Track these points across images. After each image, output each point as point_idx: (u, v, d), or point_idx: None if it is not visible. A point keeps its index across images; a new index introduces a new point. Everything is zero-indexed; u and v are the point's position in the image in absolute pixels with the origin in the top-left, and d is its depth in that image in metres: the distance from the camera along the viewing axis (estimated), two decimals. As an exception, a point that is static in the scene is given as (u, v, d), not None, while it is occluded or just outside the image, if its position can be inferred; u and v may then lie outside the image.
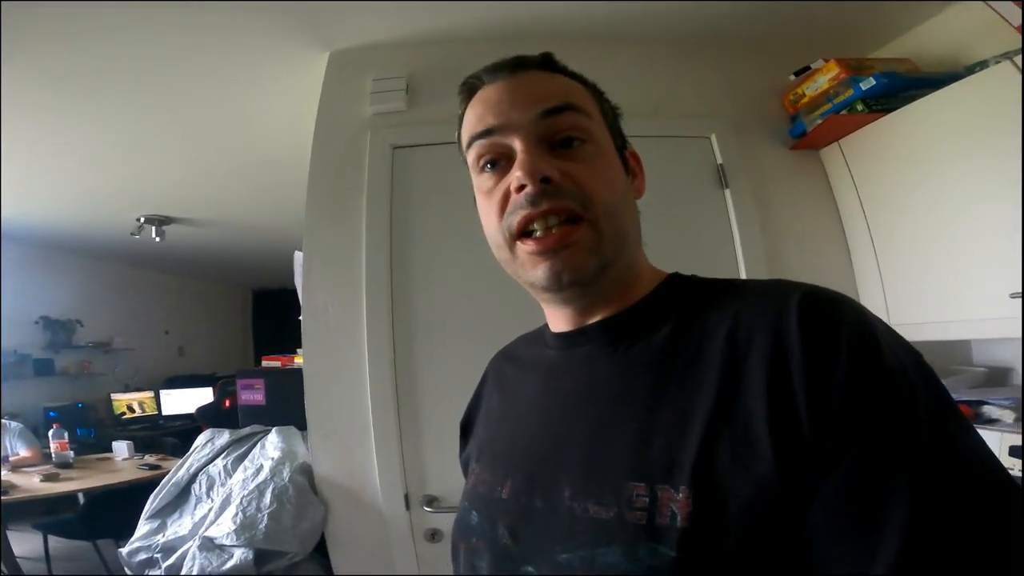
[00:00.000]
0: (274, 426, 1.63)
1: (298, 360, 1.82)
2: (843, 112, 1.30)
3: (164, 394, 4.57)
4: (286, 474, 1.40)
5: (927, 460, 0.31)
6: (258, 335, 6.23)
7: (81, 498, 2.59)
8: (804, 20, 1.42)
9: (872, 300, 1.29)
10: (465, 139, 0.47)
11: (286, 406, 1.65)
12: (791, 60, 1.41)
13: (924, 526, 0.29)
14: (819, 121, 1.34)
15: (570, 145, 0.43)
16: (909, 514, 0.29)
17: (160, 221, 3.21)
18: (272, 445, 1.53)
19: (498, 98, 0.45)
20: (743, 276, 1.32)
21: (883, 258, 1.30)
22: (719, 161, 1.37)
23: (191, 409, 4.06)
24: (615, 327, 0.44)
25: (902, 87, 1.24)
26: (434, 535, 1.27)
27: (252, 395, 1.74)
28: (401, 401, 1.31)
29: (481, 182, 0.46)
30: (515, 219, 0.42)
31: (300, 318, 1.43)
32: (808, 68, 1.37)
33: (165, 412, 4.51)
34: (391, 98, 1.41)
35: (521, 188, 0.41)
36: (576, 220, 0.41)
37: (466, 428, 0.60)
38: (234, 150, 2.18)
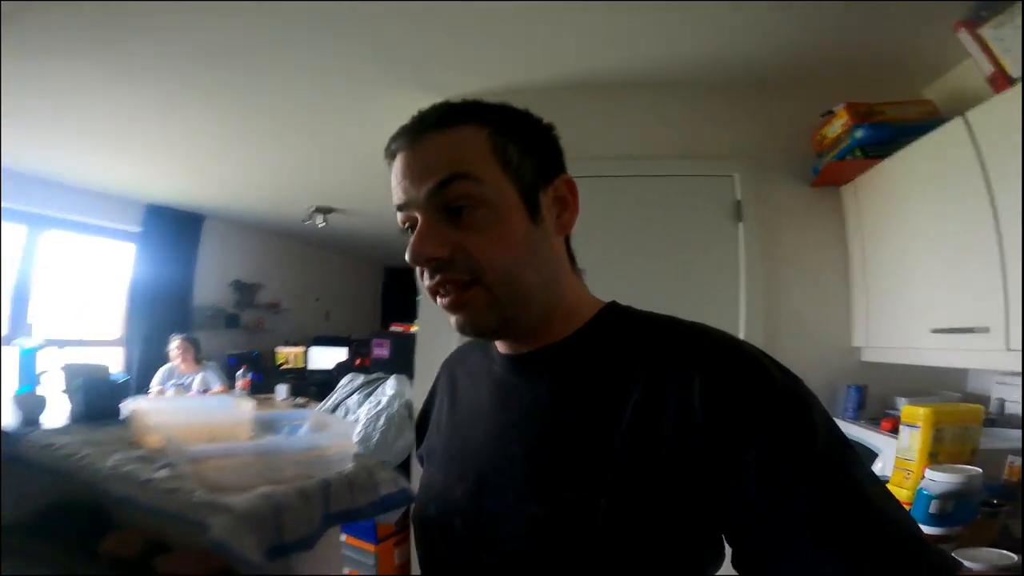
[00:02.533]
0: (393, 374, 2.36)
1: (413, 328, 2.55)
2: (847, 157, 1.60)
3: (312, 350, 5.77)
4: (395, 406, 2.10)
5: (819, 456, 0.41)
6: (386, 305, 7.45)
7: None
8: (844, 58, 1.67)
9: (859, 324, 1.60)
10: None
11: (403, 360, 2.37)
12: (836, 96, 1.65)
13: (824, 514, 0.39)
14: (824, 164, 1.65)
15: (461, 212, 0.48)
16: (809, 503, 0.39)
17: (326, 211, 4.25)
18: (390, 386, 2.26)
19: (401, 171, 0.50)
20: (743, 300, 1.71)
21: (871, 290, 1.61)
22: (738, 197, 1.75)
23: (329, 365, 5.23)
24: (553, 359, 0.53)
25: (892, 136, 1.49)
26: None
27: (382, 350, 2.50)
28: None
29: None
30: (425, 283, 0.50)
31: (418, 297, 2.12)
32: (831, 112, 1.66)
33: (310, 367, 5.70)
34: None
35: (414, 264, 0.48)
36: (470, 284, 0.48)
37: (420, 427, 0.72)
38: (371, 160, 2.98)
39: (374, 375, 2.42)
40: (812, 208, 1.76)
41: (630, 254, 1.78)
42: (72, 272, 4.05)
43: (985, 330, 1.17)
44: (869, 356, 1.65)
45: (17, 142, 2.67)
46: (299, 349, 5.71)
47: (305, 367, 5.72)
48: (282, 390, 4.09)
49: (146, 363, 4.33)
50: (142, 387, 4.05)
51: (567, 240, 0.57)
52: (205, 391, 3.71)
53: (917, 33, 1.53)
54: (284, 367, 5.48)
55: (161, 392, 3.69)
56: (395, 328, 2.58)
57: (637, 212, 1.80)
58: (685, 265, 1.76)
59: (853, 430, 1.50)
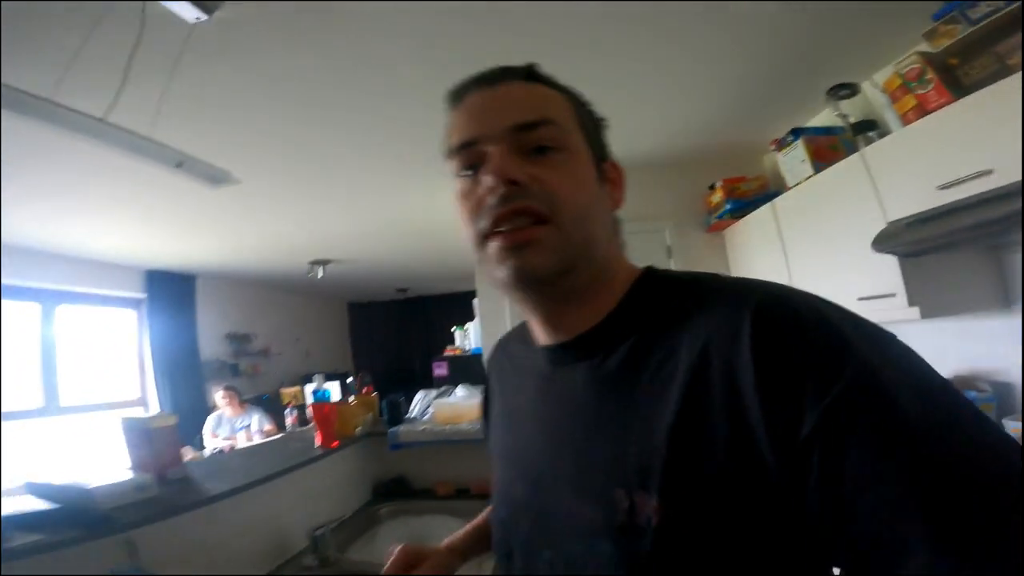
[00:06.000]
0: (455, 386, 3.45)
1: (457, 351, 3.67)
2: (724, 217, 2.97)
3: (307, 387, 6.54)
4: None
5: (919, 450, 0.34)
6: (354, 336, 8.35)
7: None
8: (720, 146, 3.05)
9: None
10: (449, 147, 0.54)
11: (459, 375, 3.47)
12: (717, 171, 3.03)
13: (940, 524, 0.32)
14: (712, 222, 3.03)
15: (543, 152, 0.50)
16: (896, 485, 0.33)
17: (323, 262, 5.19)
18: (459, 391, 3.36)
19: (479, 108, 0.52)
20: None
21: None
22: (668, 243, 3.08)
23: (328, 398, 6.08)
24: (589, 345, 0.53)
25: (744, 206, 2.86)
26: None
27: (441, 370, 3.58)
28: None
29: (460, 185, 0.53)
30: (487, 218, 0.49)
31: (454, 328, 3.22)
32: (714, 186, 3.03)
33: (308, 401, 6.47)
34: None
35: (492, 189, 0.48)
36: (543, 222, 0.48)
37: (484, 426, 0.78)
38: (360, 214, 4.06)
39: (443, 388, 3.49)
40: (709, 246, 3.12)
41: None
42: (81, 342, 4.55)
43: (892, 295, 1.78)
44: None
45: (22, 219, 3.10)
46: (297, 388, 6.45)
47: (304, 403, 6.46)
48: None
49: (179, 416, 4.92)
50: (184, 436, 4.72)
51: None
52: (262, 430, 4.52)
53: (760, 133, 2.91)
54: (291, 404, 6.21)
55: (215, 437, 4.44)
56: (448, 353, 3.68)
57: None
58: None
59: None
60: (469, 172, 0.52)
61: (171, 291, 5.21)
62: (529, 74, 0.55)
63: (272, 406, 5.95)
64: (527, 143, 0.50)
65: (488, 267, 0.52)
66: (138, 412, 4.91)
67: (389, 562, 0.76)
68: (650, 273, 0.56)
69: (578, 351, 0.54)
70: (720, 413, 0.41)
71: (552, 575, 0.52)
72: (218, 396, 4.64)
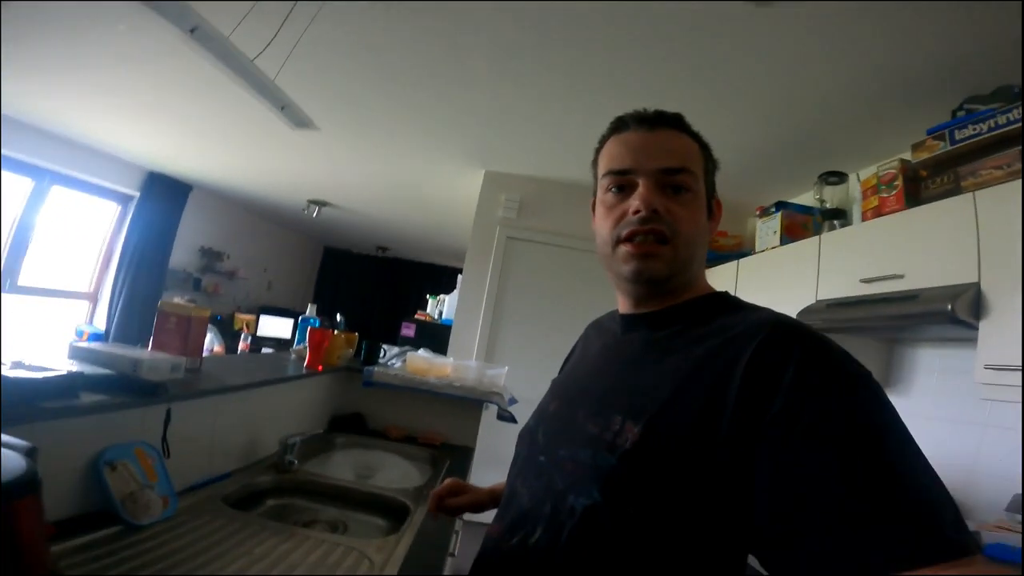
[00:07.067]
0: (418, 348, 3.71)
1: (427, 318, 3.91)
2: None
3: (262, 319, 6.61)
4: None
5: (850, 443, 0.45)
6: (320, 279, 8.49)
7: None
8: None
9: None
10: (603, 167, 0.73)
11: (423, 340, 3.73)
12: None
13: (848, 509, 0.43)
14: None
15: (677, 191, 0.68)
16: (833, 492, 0.44)
17: (320, 204, 5.36)
18: (422, 352, 3.61)
19: (637, 145, 0.70)
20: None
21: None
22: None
23: (276, 333, 6.28)
24: (652, 320, 0.70)
25: (718, 257, 3.21)
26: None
27: (409, 331, 3.83)
28: (488, 351, 3.40)
29: (607, 199, 0.71)
30: (626, 229, 0.67)
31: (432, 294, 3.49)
32: None
33: (259, 333, 6.50)
34: (511, 210, 3.49)
35: (637, 212, 0.66)
36: (664, 241, 0.66)
37: (560, 372, 0.92)
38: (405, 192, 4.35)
39: (404, 347, 3.73)
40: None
41: (581, 296, 3.36)
42: (54, 226, 4.40)
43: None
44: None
45: (41, 96, 3.22)
46: (251, 316, 6.51)
47: (255, 333, 6.51)
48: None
49: (125, 317, 4.93)
50: (123, 339, 4.74)
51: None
52: (211, 350, 4.62)
53: (752, 197, 3.30)
54: (243, 332, 6.27)
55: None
56: (418, 317, 3.93)
57: (589, 272, 3.40)
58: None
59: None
60: (616, 190, 0.70)
61: (165, 195, 5.14)
62: (676, 122, 0.72)
63: (223, 328, 6.03)
64: (668, 182, 0.68)
65: (614, 262, 0.70)
66: (86, 306, 4.91)
67: (439, 487, 0.99)
68: (720, 292, 0.72)
69: (644, 321, 0.71)
70: (711, 388, 0.55)
71: (540, 473, 0.67)
72: (178, 307, 4.69)
